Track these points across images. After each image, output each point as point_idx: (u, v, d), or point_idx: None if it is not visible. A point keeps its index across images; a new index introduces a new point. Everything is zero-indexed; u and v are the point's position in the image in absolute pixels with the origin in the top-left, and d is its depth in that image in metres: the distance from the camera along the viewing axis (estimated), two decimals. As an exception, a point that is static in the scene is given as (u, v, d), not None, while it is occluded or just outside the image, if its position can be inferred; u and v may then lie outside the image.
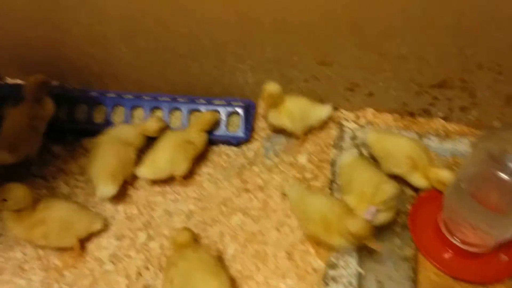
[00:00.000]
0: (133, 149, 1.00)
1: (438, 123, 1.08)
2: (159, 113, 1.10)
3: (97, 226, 0.91)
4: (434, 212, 0.89)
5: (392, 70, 1.02)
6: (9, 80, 1.24)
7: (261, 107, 1.14)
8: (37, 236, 0.86)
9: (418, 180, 0.92)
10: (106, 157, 0.96)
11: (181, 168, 0.98)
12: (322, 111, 1.06)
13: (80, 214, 0.90)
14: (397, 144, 0.95)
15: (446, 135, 1.05)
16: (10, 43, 1.15)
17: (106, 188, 0.94)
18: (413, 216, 0.90)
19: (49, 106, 1.02)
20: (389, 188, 0.83)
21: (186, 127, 1.07)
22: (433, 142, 1.03)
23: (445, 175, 0.88)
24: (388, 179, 0.87)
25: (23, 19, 1.07)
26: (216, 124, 1.06)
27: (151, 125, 1.02)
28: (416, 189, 0.95)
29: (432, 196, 0.91)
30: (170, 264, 0.81)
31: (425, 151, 0.95)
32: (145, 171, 0.97)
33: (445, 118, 1.09)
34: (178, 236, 0.84)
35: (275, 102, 1.02)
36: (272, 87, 1.00)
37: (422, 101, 1.07)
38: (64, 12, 1.04)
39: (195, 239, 0.86)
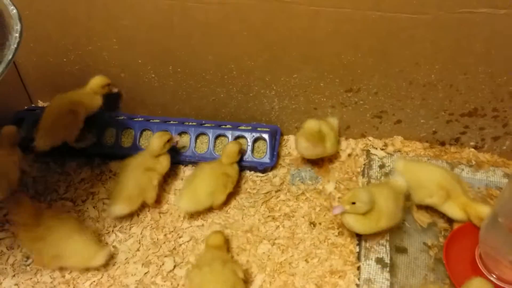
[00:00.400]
0: (155, 175, 0.99)
1: (469, 153, 1.06)
2: (186, 138, 1.11)
3: (96, 262, 0.88)
4: (470, 246, 0.85)
5: (421, 98, 1.01)
6: (41, 104, 1.28)
7: (287, 140, 1.15)
8: (37, 250, 0.89)
9: (452, 211, 0.89)
10: (124, 181, 0.97)
11: (220, 199, 0.98)
12: (333, 120, 1.09)
13: (81, 245, 0.88)
14: (428, 173, 0.92)
15: (478, 165, 1.02)
16: (43, 68, 1.19)
17: (117, 207, 0.95)
18: (447, 250, 0.87)
19: (98, 101, 1.09)
20: (356, 190, 0.86)
21: (212, 151, 1.08)
22: (465, 173, 1.01)
23: (486, 211, 0.84)
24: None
25: (55, 45, 1.11)
26: (243, 151, 1.05)
27: (154, 143, 1.00)
28: (449, 221, 0.92)
29: (468, 229, 0.88)
30: (196, 265, 0.85)
31: (458, 180, 0.92)
32: (186, 204, 0.96)
33: (477, 148, 1.06)
34: (210, 238, 0.87)
35: (320, 136, 1.00)
36: (312, 125, 0.97)
37: (452, 130, 1.05)
38: (95, 38, 1.07)
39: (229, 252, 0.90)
